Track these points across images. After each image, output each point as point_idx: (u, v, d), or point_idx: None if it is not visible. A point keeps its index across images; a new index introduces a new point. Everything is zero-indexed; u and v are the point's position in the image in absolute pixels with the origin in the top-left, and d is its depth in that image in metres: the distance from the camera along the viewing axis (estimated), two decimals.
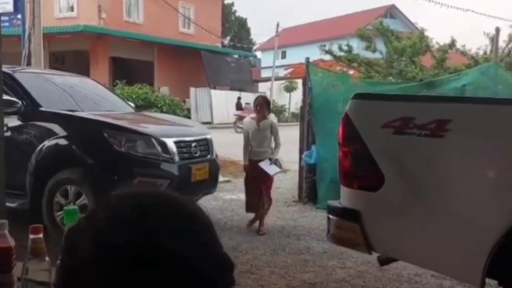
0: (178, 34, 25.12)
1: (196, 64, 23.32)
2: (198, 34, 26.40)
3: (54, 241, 1.13)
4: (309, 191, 6.86)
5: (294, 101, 27.46)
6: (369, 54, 16.32)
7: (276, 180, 8.62)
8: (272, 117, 5.67)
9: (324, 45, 18.97)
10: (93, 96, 5.95)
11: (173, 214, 0.65)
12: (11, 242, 1.11)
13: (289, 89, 28.75)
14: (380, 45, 15.97)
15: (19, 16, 10.10)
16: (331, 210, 2.84)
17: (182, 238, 0.62)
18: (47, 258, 1.08)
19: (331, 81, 7.29)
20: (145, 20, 23.73)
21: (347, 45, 16.39)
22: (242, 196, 7.15)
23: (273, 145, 5.57)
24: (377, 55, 15.98)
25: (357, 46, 18.01)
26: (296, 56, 37.14)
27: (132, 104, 7.03)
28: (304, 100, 7.10)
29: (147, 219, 0.62)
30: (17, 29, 9.57)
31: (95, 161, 4.55)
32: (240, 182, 8.12)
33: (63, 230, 2.91)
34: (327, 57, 17.39)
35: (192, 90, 22.87)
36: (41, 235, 1.07)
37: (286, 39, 38.28)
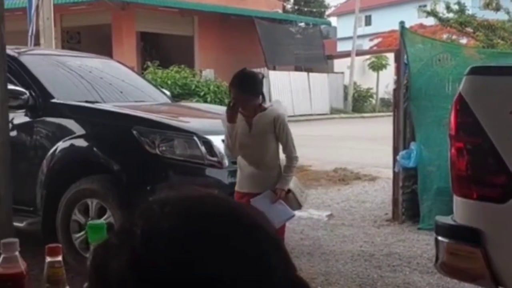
0: None
1: (248, 38, 23.53)
2: None
3: (72, 270, 1.18)
4: (408, 206, 6.72)
5: (383, 83, 27.04)
6: (490, 15, 15.74)
7: (360, 191, 8.66)
8: (276, 107, 4.36)
9: (425, 5, 18.56)
10: (118, 83, 6.16)
11: (233, 229, 0.65)
12: (23, 266, 1.16)
13: (377, 66, 28.36)
14: (506, 1, 15.37)
15: None
16: (440, 229, 2.78)
17: (244, 262, 0.63)
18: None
19: (436, 53, 7.11)
20: None
21: (458, 3, 15.90)
22: (313, 212, 7.18)
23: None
24: (501, 16, 15.38)
25: (472, 4, 17.45)
26: (385, 21, 36.58)
27: (168, 93, 7.21)
28: (398, 81, 6.97)
29: (199, 235, 0.63)
30: (21, 1, 10.08)
31: (122, 167, 4.69)
32: (310, 193, 8.11)
33: (83, 257, 3.05)
34: (429, 21, 17.00)
35: None
36: (60, 258, 1.12)
37: None
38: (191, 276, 0.61)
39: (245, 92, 4.06)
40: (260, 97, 4.17)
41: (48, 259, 1.12)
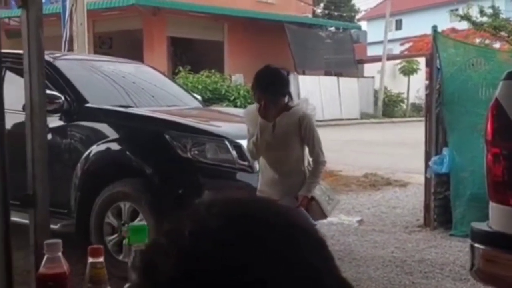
0: (255, 4, 25.53)
1: (278, 43, 23.54)
2: (281, 2, 26.66)
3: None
4: (440, 212, 6.65)
5: (414, 87, 26.80)
6: None
7: (391, 197, 8.58)
8: (302, 106, 4.02)
9: (457, 9, 18.34)
10: (150, 88, 6.22)
11: (277, 231, 0.66)
12: (66, 267, 1.19)
13: (408, 71, 28.11)
14: None
15: None
16: (476, 236, 2.74)
17: (288, 263, 0.64)
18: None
19: (469, 58, 7.02)
20: None
21: (492, 6, 15.68)
22: (344, 218, 7.13)
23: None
24: None
25: (506, 8, 17.19)
26: (416, 25, 36.26)
27: (199, 97, 7.26)
28: (430, 86, 6.90)
29: (245, 237, 0.64)
30: (56, 7, 10.27)
31: (154, 171, 4.74)
32: (341, 199, 8.06)
33: (116, 259, 3.07)
34: (462, 25, 16.79)
35: None
36: (101, 259, 1.14)
37: (402, 3, 37.50)
38: (237, 277, 0.62)
39: (270, 94, 3.71)
40: (286, 97, 3.83)
41: (90, 259, 1.14)
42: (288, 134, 3.81)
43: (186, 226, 0.65)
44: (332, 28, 28.26)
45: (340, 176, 9.66)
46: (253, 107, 3.90)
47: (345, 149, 13.40)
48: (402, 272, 5.13)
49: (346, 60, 26.05)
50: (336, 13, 37.31)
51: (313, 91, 23.51)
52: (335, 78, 25.05)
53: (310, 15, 29.44)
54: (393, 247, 5.87)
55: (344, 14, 37.55)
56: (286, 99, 3.84)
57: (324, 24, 28.21)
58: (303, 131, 3.81)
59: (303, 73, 23.77)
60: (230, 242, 0.63)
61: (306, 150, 3.93)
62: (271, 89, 3.72)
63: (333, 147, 13.43)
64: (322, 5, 40.41)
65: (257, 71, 3.89)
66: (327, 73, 25.30)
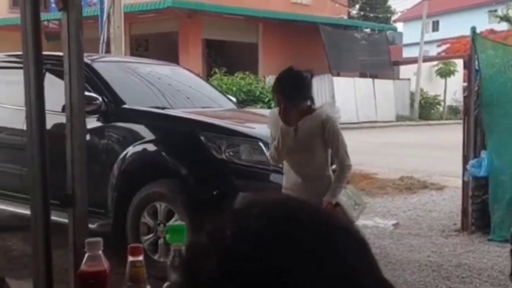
0: (290, 5, 25.52)
1: (312, 44, 23.49)
2: (316, 3, 26.59)
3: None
4: (478, 216, 6.54)
5: (451, 89, 26.40)
6: None
7: (427, 200, 8.46)
8: (326, 109, 3.98)
9: (495, 10, 18.02)
10: (185, 90, 6.28)
11: (319, 231, 0.66)
12: (106, 265, 1.21)
13: (445, 73, 27.70)
14: None
15: None
16: None
17: (328, 264, 0.64)
18: (148, 287, 1.16)
19: (509, 59, 6.89)
20: None
21: None
22: (379, 221, 7.07)
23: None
24: None
25: None
26: (454, 27, 35.77)
27: (233, 99, 7.29)
28: (468, 88, 6.79)
29: (286, 237, 0.64)
30: (94, 9, 10.45)
31: (189, 171, 4.78)
32: (376, 202, 8.02)
33: (152, 259, 3.10)
34: (501, 26, 16.49)
35: None
36: (141, 257, 1.16)
37: (438, 4, 37.04)
38: (277, 277, 0.62)
39: (291, 98, 3.59)
40: (308, 100, 3.74)
41: (130, 258, 1.16)
42: (311, 137, 3.70)
43: (227, 226, 0.66)
44: (368, 30, 28.04)
45: (375, 179, 9.58)
46: (276, 110, 3.78)
47: (380, 151, 13.28)
48: (439, 277, 5.07)
49: (382, 61, 25.83)
50: (371, 15, 36.96)
51: (347, 93, 23.38)
52: (370, 80, 24.86)
53: (345, 17, 29.25)
54: (430, 251, 5.81)
55: (380, 16, 37.18)
56: (308, 103, 3.74)
57: (359, 26, 28.02)
58: (327, 134, 3.69)
59: (338, 75, 23.65)
60: (270, 243, 0.64)
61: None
62: (291, 92, 3.61)
63: (368, 150, 13.35)
64: (357, 6, 40.14)
65: (279, 74, 3.84)
66: (362, 75, 25.11)
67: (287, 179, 3.87)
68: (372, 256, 0.70)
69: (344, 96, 23.19)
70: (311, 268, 0.63)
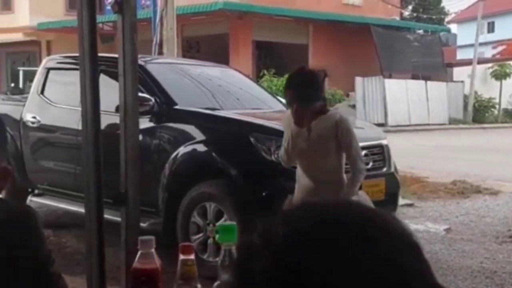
0: (341, 6, 25.34)
1: (363, 45, 23.26)
2: (367, 4, 26.32)
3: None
4: None
5: (507, 92, 25.71)
6: None
7: (481, 205, 8.25)
8: (341, 110, 3.83)
9: None
10: (235, 91, 6.32)
11: (370, 234, 0.66)
12: (158, 263, 1.23)
13: (500, 75, 26.97)
14: None
15: None
16: None
17: (380, 267, 0.64)
18: (199, 285, 1.18)
19: None
20: None
21: None
22: (430, 225, 6.94)
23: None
24: None
25: None
26: (510, 28, 34.85)
27: (283, 100, 7.28)
28: None
29: (338, 239, 0.64)
30: (147, 12, 10.63)
31: (239, 172, 4.81)
32: (428, 206, 7.88)
33: (201, 259, 3.12)
34: None
35: (358, 80, 22.88)
36: (192, 256, 1.17)
37: (494, 5, 36.10)
38: (328, 279, 0.62)
39: (303, 98, 3.46)
40: (321, 100, 3.61)
41: (181, 257, 1.18)
42: (324, 138, 3.56)
43: (279, 228, 0.67)
44: (420, 31, 27.59)
45: (426, 183, 9.42)
46: (290, 112, 3.63)
47: (432, 154, 13.04)
48: (492, 284, 4.94)
49: (435, 63, 25.36)
50: (424, 16, 36.36)
51: (399, 95, 23.06)
52: (422, 82, 24.42)
53: (397, 18, 28.85)
54: (483, 257, 5.67)
55: (433, 17, 36.54)
56: (321, 103, 3.60)
57: (412, 27, 27.60)
58: (340, 135, 3.54)
59: (390, 77, 23.35)
60: (321, 245, 0.64)
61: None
62: (303, 92, 3.48)
63: (419, 153, 13.15)
64: (410, 7, 39.53)
65: (290, 73, 3.78)
66: (415, 77, 24.69)
67: (299, 184, 3.69)
68: (425, 260, 0.69)
69: (395, 98, 22.87)
70: (362, 271, 0.63)
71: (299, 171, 3.71)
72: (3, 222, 1.32)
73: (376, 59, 23.09)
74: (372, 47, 23.16)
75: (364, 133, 5.78)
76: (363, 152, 5.23)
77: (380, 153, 5.46)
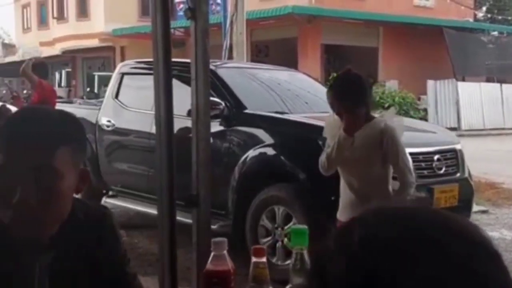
0: (412, 9, 24.89)
1: (435, 48, 22.75)
2: (439, 6, 25.73)
3: None
4: None
5: None
6: None
7: None
8: (387, 118, 3.49)
9: None
10: (304, 94, 6.31)
11: (449, 241, 0.65)
12: (231, 265, 1.24)
13: None
14: None
15: (218, 0, 11.38)
16: None
17: (459, 275, 0.63)
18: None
19: None
20: None
21: None
22: (506, 233, 6.69)
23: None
24: None
25: None
26: None
27: None
28: None
29: (415, 246, 0.64)
30: (217, 17, 10.77)
31: (308, 176, 4.79)
32: (503, 213, 7.60)
33: (270, 262, 3.08)
34: None
35: (430, 83, 22.36)
36: (264, 259, 1.18)
37: None
38: (405, 286, 0.62)
39: (352, 104, 3.25)
40: (365, 107, 3.33)
41: (254, 259, 1.19)
42: (368, 148, 3.28)
43: (355, 233, 0.66)
44: (495, 33, 26.71)
45: (502, 189, 9.09)
46: (332, 117, 3.45)
47: (508, 159, 12.56)
48: None
49: (510, 66, 24.50)
50: (499, 17, 35.16)
51: (473, 99, 22.40)
52: (497, 85, 23.62)
53: (471, 19, 28.04)
54: None
55: (509, 18, 35.27)
56: (364, 109, 3.32)
57: (486, 29, 26.75)
58: (385, 145, 3.24)
59: (463, 80, 22.71)
60: (399, 253, 0.63)
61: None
62: (353, 98, 3.27)
63: (494, 158, 12.70)
64: (484, 8, 38.33)
65: (337, 76, 3.57)
66: (489, 80, 23.93)
67: (342, 199, 3.46)
68: (506, 269, 0.68)
69: (469, 101, 22.23)
70: (440, 280, 0.62)
71: (342, 185, 3.46)
72: (82, 222, 1.37)
73: (449, 62, 22.52)
74: (444, 49, 22.60)
75: (437, 138, 5.68)
76: (436, 157, 5.13)
77: (454, 158, 5.33)
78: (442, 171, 5.13)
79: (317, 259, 0.69)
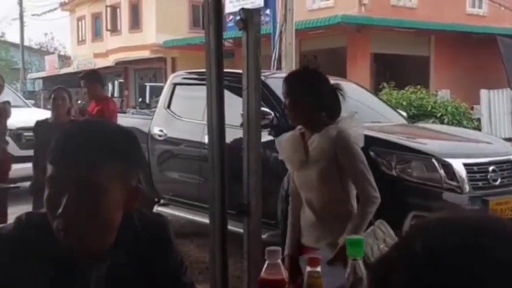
0: (464, 17, 24.42)
1: (489, 57, 22.20)
2: (493, 14, 25.17)
3: None
4: None
5: None
6: None
7: None
8: (343, 124, 2.86)
9: None
10: (353, 104, 6.25)
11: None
12: (285, 274, 1.25)
13: None
14: None
15: (267, 11, 11.45)
16: None
17: None
18: None
19: None
20: (420, 2, 23.85)
21: None
22: None
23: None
24: None
25: None
26: None
27: (404, 113, 7.13)
28: None
29: (480, 256, 0.63)
30: (266, 27, 10.82)
31: None
32: None
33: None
34: None
35: (483, 92, 21.83)
36: (319, 268, 1.18)
37: None
38: None
39: (297, 93, 2.82)
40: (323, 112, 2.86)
41: (308, 268, 1.19)
42: (322, 160, 2.77)
43: (417, 242, 0.66)
44: None
45: None
46: (290, 134, 3.02)
47: None
48: None
49: None
50: None
51: None
52: None
53: None
54: None
55: None
56: (322, 114, 2.88)
57: None
58: (340, 156, 2.75)
59: None
60: (464, 262, 0.63)
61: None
62: (301, 87, 2.88)
63: None
64: None
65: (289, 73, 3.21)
66: None
67: (302, 220, 2.95)
68: None
69: None
70: (508, 285, 0.61)
71: (303, 203, 2.97)
72: (138, 231, 1.39)
73: (503, 71, 21.96)
74: (498, 58, 22.05)
75: (492, 148, 5.55)
76: (492, 168, 5.01)
77: (510, 169, 5.20)
78: (497, 183, 5.00)
79: (379, 269, 0.69)
